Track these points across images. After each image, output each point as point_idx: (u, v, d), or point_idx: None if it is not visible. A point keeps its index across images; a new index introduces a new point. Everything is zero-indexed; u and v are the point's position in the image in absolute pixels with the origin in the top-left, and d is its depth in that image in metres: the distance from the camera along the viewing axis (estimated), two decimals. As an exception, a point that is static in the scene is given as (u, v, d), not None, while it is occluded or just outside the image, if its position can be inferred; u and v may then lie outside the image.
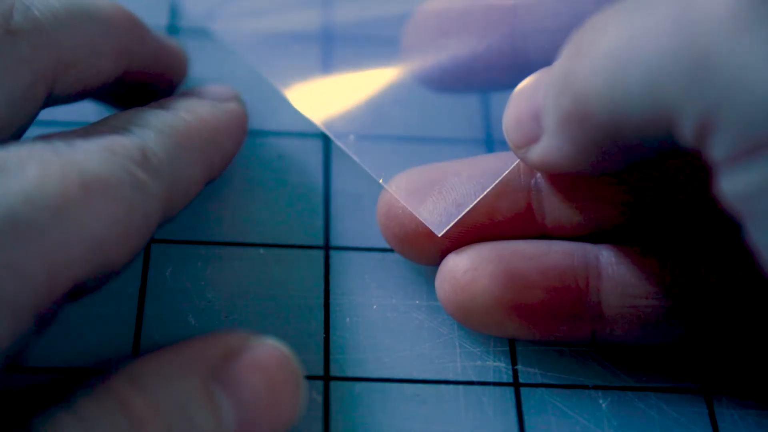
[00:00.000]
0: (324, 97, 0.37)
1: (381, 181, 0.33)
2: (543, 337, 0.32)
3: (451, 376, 0.32)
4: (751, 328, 0.31)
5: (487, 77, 0.35)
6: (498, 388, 0.32)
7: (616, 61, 0.25)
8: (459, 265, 0.31)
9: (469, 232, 0.32)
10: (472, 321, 0.32)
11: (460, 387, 0.32)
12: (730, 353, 0.33)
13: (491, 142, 0.37)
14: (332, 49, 0.39)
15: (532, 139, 0.30)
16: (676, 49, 0.24)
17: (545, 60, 0.31)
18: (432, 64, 0.35)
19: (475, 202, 0.31)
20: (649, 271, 0.31)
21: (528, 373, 0.32)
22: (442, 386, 0.32)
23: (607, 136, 0.27)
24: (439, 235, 0.31)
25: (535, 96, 0.29)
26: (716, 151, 0.24)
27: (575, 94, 0.27)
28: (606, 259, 0.31)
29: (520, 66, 0.33)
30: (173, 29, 0.40)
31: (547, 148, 0.29)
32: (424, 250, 0.32)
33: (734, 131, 0.23)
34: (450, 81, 0.35)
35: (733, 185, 0.24)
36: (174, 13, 0.40)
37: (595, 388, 0.32)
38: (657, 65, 0.24)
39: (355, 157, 0.34)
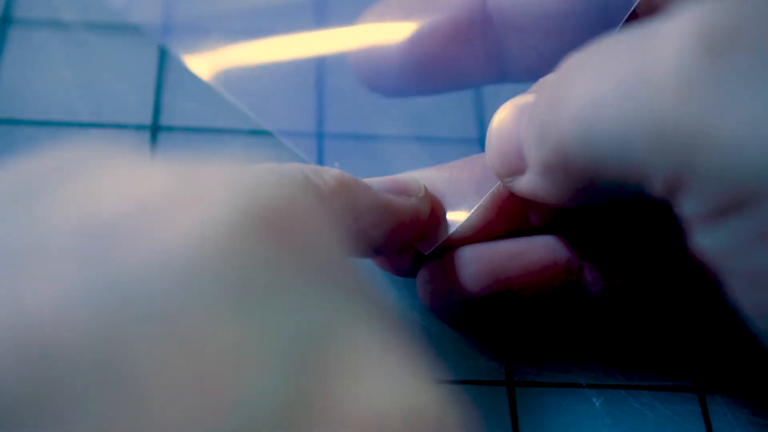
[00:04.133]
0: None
1: None
2: (531, 324, 0.32)
3: (444, 376, 0.32)
4: (744, 327, 0.32)
5: (459, 73, 0.34)
6: (492, 387, 0.32)
7: (586, 119, 0.25)
8: (440, 269, 0.32)
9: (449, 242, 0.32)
10: (459, 322, 0.32)
11: (454, 386, 0.32)
12: (723, 351, 0.33)
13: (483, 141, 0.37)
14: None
15: (517, 172, 0.29)
16: (636, 111, 0.24)
17: (518, 60, 0.31)
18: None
19: (460, 224, 0.31)
20: (634, 263, 0.31)
21: (522, 372, 0.32)
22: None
23: (587, 182, 0.27)
24: (426, 254, 0.32)
25: (516, 133, 0.29)
26: (687, 209, 0.24)
27: (553, 144, 0.27)
28: (586, 252, 0.31)
29: (493, 65, 0.33)
30: (166, 29, 0.40)
31: (531, 184, 0.29)
32: (400, 262, 0.33)
33: (703, 192, 0.23)
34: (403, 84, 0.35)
35: (706, 243, 0.24)
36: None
37: (589, 386, 0.32)
38: (621, 126, 0.24)
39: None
